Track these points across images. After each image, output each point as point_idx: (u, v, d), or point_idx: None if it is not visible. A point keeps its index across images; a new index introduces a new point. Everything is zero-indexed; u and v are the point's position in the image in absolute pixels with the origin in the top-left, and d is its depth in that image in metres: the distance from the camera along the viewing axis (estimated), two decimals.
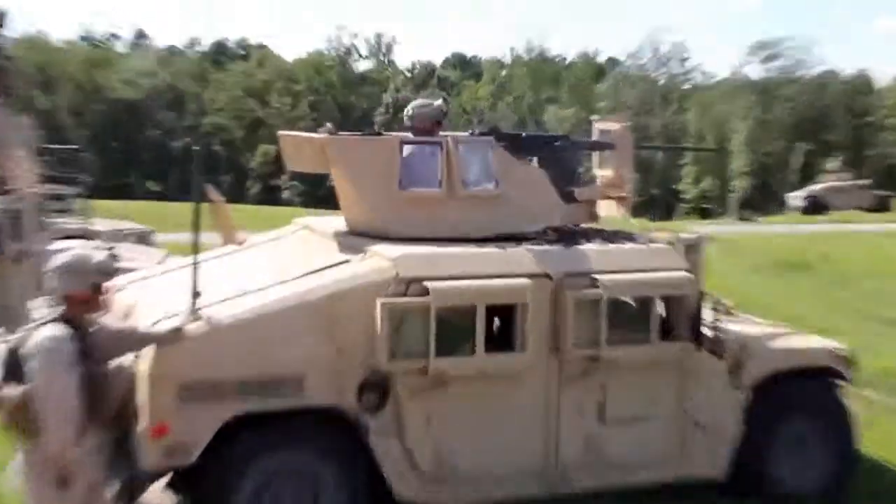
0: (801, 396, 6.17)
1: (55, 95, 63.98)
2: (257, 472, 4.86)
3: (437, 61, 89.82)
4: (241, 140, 70.38)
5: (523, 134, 6.32)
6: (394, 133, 6.09)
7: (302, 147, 5.79)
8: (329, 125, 5.77)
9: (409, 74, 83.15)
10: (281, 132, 5.98)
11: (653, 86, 70.67)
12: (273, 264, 5.66)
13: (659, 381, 5.65)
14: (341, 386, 4.93)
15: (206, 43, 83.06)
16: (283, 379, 4.81)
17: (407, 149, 5.56)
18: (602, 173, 6.71)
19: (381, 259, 5.16)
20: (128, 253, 10.39)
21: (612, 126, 6.55)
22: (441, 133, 5.95)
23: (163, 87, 70.60)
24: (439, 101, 6.08)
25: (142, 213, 24.33)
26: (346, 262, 5.25)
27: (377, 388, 4.99)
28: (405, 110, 6.06)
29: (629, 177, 6.49)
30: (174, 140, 69.40)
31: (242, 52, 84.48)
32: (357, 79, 75.82)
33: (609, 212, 6.56)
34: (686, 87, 74.06)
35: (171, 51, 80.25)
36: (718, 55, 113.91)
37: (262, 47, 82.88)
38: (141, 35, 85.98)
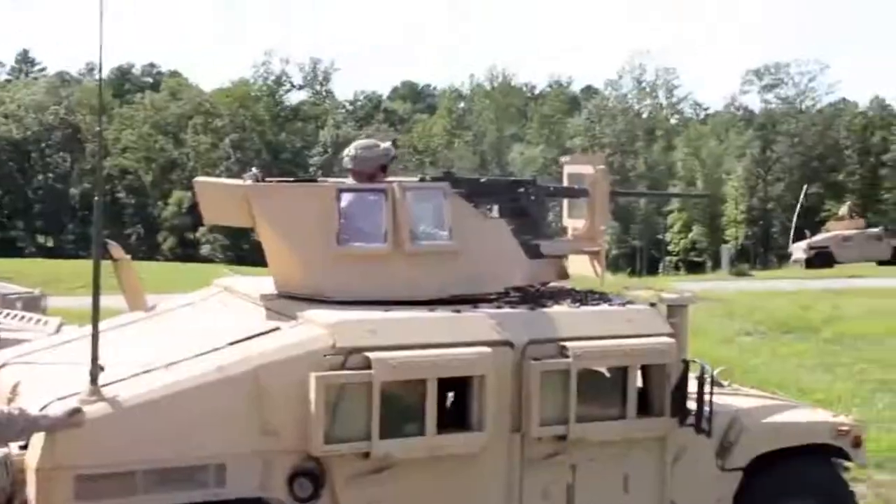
0: (799, 479, 6.31)
1: None
2: None
3: (384, 91, 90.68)
4: (152, 185, 70.04)
5: (482, 179, 6.47)
6: (331, 179, 6.17)
7: (222, 196, 5.84)
8: (254, 170, 5.83)
9: (350, 107, 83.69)
10: (197, 179, 6.04)
11: (635, 119, 71.91)
12: (188, 333, 5.67)
13: (637, 462, 5.75)
14: (269, 474, 4.96)
15: (108, 69, 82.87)
16: (201, 467, 4.82)
17: (346, 197, 5.63)
18: (573, 224, 6.85)
19: (315, 326, 5.21)
20: (13, 321, 10.30)
21: (586, 169, 6.70)
22: (386, 178, 6.05)
23: (55, 123, 70.12)
24: (387, 144, 6.16)
25: (31, 273, 24.04)
26: (275, 329, 5.30)
27: (311, 476, 5.02)
28: (346, 151, 6.13)
29: (604, 227, 6.64)
30: (70, 186, 68.83)
31: (151, 81, 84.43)
32: (289, 113, 76.01)
33: (581, 268, 6.69)
34: (674, 120, 75.46)
35: (64, 78, 79.78)
36: (712, 84, 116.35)
37: (175, 75, 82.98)
38: (26, 59, 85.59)
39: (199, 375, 4.91)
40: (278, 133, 72.99)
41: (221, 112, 71.12)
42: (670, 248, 67.12)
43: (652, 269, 59.85)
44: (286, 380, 4.96)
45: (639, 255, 65.68)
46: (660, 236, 68.30)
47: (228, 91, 74.14)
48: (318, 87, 78.70)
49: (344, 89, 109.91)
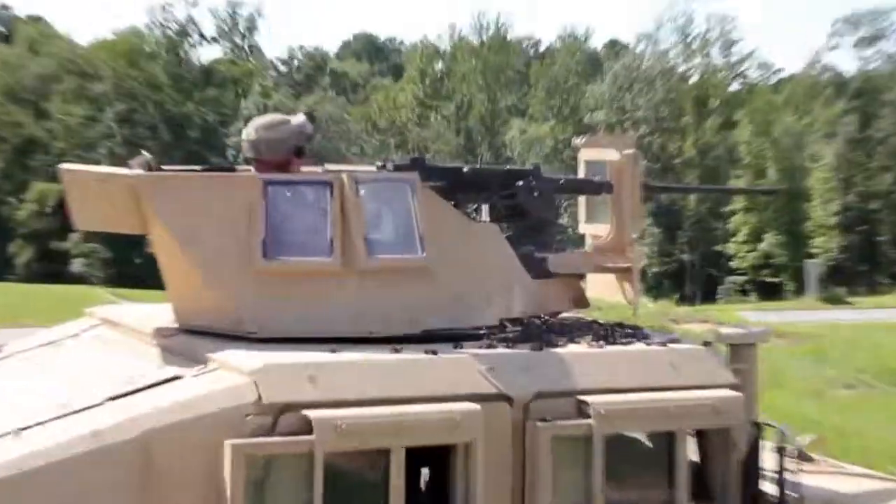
0: None
1: None
2: None
3: (331, 47, 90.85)
4: (1, 175, 69.83)
5: (466, 168, 6.48)
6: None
7: (101, 190, 5.78)
8: (146, 155, 5.83)
9: (284, 68, 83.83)
10: (65, 165, 5.99)
11: (680, 86, 72.21)
12: (51, 384, 5.63)
13: None
14: None
15: None
16: None
17: (276, 192, 5.65)
18: (593, 230, 6.90)
19: (232, 373, 5.18)
20: None
21: (609, 154, 6.74)
22: (304, 166, 6.09)
23: None
24: (300, 118, 6.23)
25: None
26: (175, 378, 5.27)
27: None
28: (243, 133, 6.21)
29: (637, 235, 6.67)
30: None
31: (2, 30, 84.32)
32: (198, 75, 76.02)
33: (606, 292, 6.73)
34: (734, 87, 75.80)
35: None
36: (787, 37, 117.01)
37: (37, 21, 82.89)
38: None
39: (64, 445, 4.84)
40: (182, 103, 72.97)
41: (102, 73, 71.04)
42: (734, 263, 67.26)
43: (709, 294, 60.10)
44: (189, 450, 4.91)
45: (689, 274, 65.92)
46: (718, 248, 68.47)
47: (112, 45, 74.06)
48: (238, 41, 78.83)
49: (276, 44, 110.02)
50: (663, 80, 71.69)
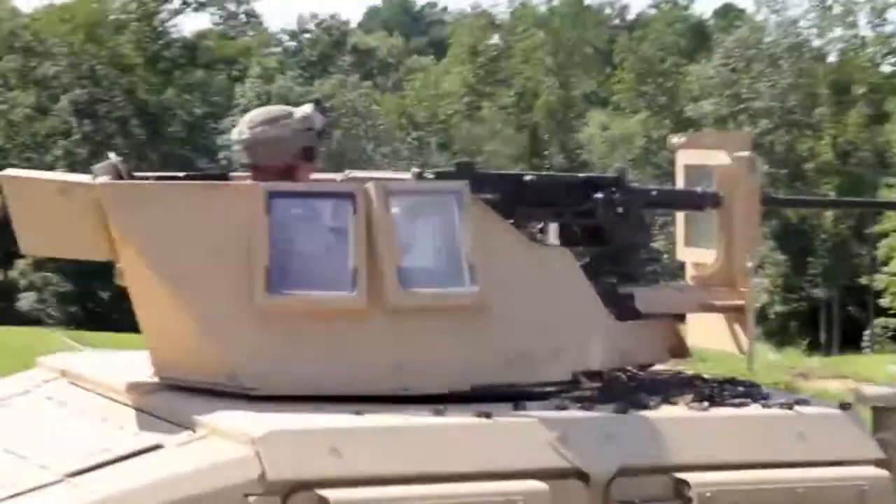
0: None
1: None
2: None
3: (354, 16, 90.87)
4: None
5: (528, 175, 6.52)
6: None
7: (56, 204, 5.82)
8: (113, 157, 5.92)
9: (291, 44, 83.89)
10: (8, 171, 6.06)
11: (814, 66, 71.60)
12: None
13: None
14: None
15: None
16: None
17: (283, 208, 5.70)
18: (695, 257, 6.91)
19: (228, 441, 5.23)
20: None
21: (717, 157, 6.73)
22: (315, 172, 6.21)
23: None
24: (306, 109, 6.28)
25: None
26: (154, 448, 5.32)
27: None
28: (234, 131, 6.30)
29: (752, 263, 6.65)
30: None
31: None
32: (181, 54, 76.13)
33: (712, 338, 6.76)
34: (887, 68, 75.26)
35: None
36: None
37: None
38: None
39: None
40: (161, 90, 73.00)
41: (54, 50, 71.14)
42: (884, 301, 66.58)
43: (850, 342, 59.65)
44: None
45: (824, 316, 65.47)
46: (864, 281, 67.94)
47: (67, 12, 74.08)
48: (233, 8, 78.92)
49: (282, 12, 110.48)
50: (792, 58, 71.04)
